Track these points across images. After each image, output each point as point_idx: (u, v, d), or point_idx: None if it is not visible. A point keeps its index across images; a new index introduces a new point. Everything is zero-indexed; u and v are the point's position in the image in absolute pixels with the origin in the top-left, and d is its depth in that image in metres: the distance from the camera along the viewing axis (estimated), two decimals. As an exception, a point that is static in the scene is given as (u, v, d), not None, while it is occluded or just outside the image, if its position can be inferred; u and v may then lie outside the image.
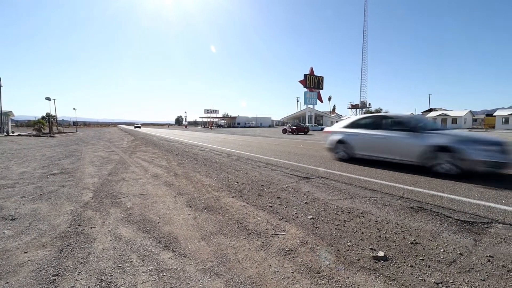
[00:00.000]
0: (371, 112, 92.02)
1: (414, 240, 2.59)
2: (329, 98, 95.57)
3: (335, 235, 2.76)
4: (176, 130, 51.86)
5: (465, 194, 4.07)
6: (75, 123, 62.29)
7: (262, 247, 2.54)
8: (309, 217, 3.26)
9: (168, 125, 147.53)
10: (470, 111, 58.60)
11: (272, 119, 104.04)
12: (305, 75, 51.50)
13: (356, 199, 3.96)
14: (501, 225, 2.94)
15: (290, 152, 10.22)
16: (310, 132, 34.82)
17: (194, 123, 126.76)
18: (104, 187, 5.02)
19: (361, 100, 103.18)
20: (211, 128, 68.54)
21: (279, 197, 4.09)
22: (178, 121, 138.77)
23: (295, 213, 3.40)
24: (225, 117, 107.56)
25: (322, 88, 54.66)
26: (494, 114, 51.14)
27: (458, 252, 2.34)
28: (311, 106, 53.56)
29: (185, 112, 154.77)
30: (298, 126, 33.59)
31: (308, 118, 53.47)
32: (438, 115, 57.65)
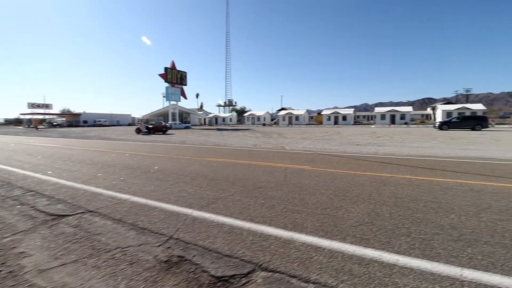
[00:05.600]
0: (237, 110, 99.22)
1: None
2: (197, 95, 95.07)
3: None
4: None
5: (253, 214, 3.40)
6: None
7: None
8: None
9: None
10: (307, 110, 73.31)
11: (132, 116, 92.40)
12: (165, 68, 47.88)
13: (93, 258, 2.43)
14: (264, 273, 2.17)
15: (104, 163, 7.85)
16: (171, 131, 32.27)
17: (17, 121, 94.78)
18: None
19: (227, 98, 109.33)
20: (37, 128, 52.70)
21: None
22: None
23: None
24: (64, 113, 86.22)
25: (185, 84, 52.72)
26: (321, 113, 66.14)
27: None
28: (174, 102, 50.62)
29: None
30: (154, 124, 30.43)
31: (172, 115, 50.34)
32: (286, 113, 68.58)
